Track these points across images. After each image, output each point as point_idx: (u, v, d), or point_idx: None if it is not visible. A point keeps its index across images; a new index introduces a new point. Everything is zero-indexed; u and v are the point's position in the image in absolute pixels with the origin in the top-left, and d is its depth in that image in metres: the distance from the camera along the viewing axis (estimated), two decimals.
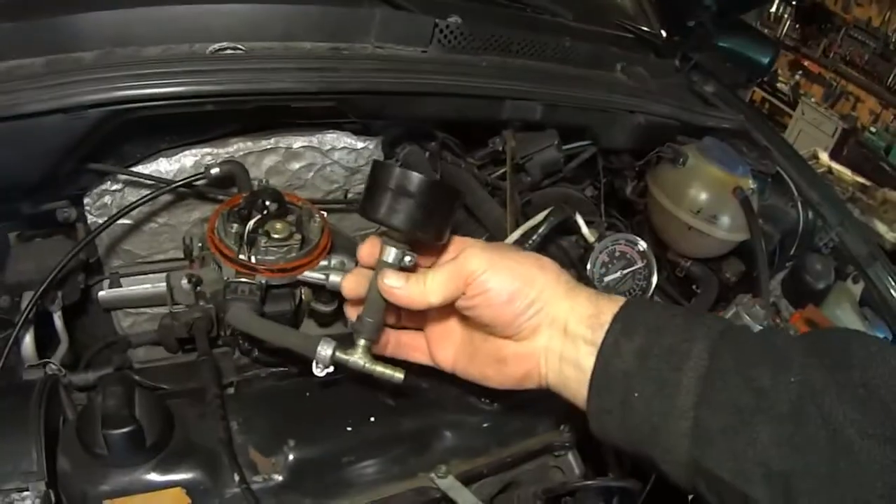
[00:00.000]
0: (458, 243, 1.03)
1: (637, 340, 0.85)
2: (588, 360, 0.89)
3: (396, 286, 0.96)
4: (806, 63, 8.95)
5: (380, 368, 1.02)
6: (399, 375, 1.01)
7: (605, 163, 2.06)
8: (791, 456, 0.73)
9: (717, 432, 0.78)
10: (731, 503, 0.79)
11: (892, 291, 2.10)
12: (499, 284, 0.93)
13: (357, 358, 1.02)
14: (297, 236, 1.30)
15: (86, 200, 1.41)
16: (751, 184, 1.89)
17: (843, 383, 0.72)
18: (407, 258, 1.00)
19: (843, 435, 0.69)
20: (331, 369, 1.04)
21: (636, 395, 0.84)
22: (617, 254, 1.75)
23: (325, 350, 1.02)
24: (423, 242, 1.01)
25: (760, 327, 1.55)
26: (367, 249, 1.02)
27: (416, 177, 0.93)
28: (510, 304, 0.94)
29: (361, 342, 1.02)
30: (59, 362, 1.28)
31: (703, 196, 1.85)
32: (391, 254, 0.99)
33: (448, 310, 1.04)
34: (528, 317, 0.94)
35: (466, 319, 1.03)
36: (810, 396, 0.73)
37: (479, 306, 0.95)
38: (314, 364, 1.04)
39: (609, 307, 0.91)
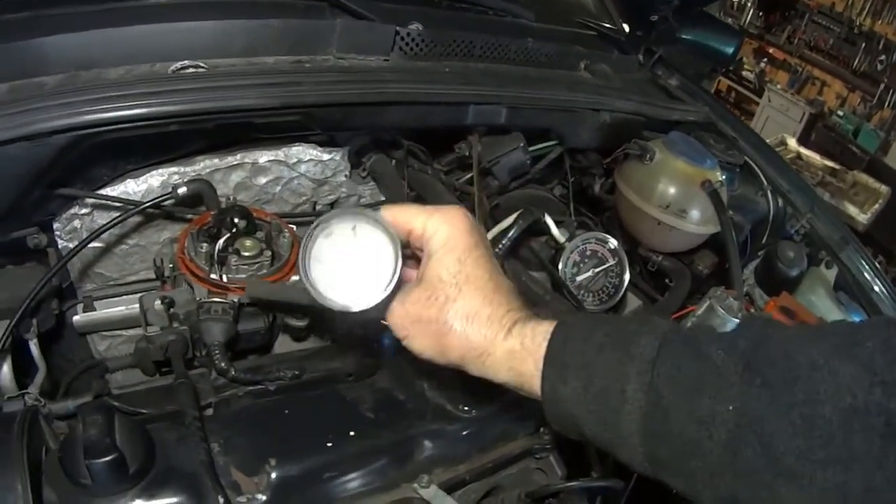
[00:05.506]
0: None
1: (571, 384, 0.85)
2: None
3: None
4: (771, 50, 8.99)
5: None
6: None
7: (572, 162, 2.07)
8: (733, 482, 0.74)
9: (667, 459, 0.81)
10: None
11: (866, 274, 2.12)
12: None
13: None
14: (267, 253, 1.30)
15: (55, 225, 1.40)
16: (719, 176, 1.90)
17: (783, 405, 0.71)
18: None
19: (782, 462, 0.70)
20: None
21: (586, 427, 0.86)
22: (588, 253, 1.76)
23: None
24: None
25: (736, 320, 1.56)
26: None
27: None
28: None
29: None
30: (37, 390, 1.27)
31: (672, 191, 1.86)
32: None
33: None
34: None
35: None
36: (748, 424, 0.73)
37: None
38: None
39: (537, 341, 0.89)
